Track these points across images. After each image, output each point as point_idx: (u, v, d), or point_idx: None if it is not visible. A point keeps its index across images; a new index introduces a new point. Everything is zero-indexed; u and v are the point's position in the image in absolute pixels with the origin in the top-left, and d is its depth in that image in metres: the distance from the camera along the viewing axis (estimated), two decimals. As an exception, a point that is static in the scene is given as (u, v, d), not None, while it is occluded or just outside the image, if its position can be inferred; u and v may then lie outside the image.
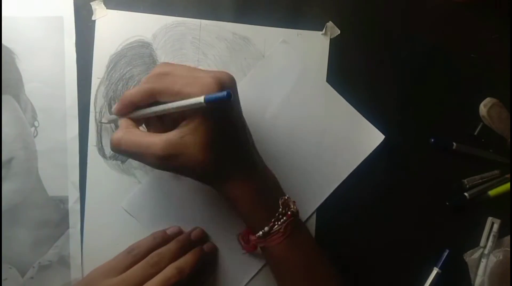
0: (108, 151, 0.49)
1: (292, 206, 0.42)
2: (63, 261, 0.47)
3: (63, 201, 0.47)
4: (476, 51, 0.52)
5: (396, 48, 0.52)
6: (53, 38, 0.48)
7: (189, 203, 0.48)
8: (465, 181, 0.51)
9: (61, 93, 0.48)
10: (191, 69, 0.40)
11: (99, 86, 0.49)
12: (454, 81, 0.52)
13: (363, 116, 0.51)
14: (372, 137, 0.50)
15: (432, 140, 0.51)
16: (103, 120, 0.47)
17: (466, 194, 0.51)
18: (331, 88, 0.51)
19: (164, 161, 0.38)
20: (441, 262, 0.50)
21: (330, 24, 0.51)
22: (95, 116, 0.49)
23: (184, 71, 0.39)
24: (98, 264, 0.45)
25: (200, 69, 0.40)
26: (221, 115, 0.39)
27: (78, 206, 0.48)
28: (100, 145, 0.49)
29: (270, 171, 0.44)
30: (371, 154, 0.50)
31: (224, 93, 0.34)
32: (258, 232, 0.41)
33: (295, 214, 0.42)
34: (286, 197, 0.42)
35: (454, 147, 0.51)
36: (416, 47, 0.52)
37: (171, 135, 0.38)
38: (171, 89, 0.37)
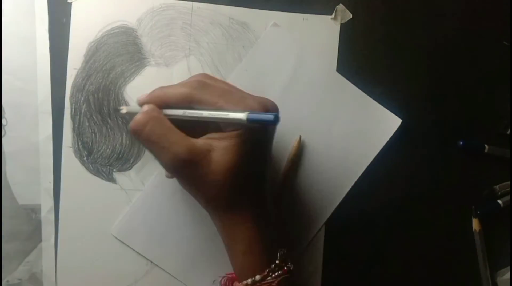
0: (85, 153, 0.46)
1: (289, 263, 0.40)
2: (35, 279, 0.46)
3: (35, 210, 0.46)
4: (509, 38, 0.50)
5: (416, 34, 0.50)
6: (23, 23, 0.46)
7: (187, 221, 0.47)
8: (497, 187, 0.49)
9: (32, 86, 0.46)
10: (233, 87, 0.39)
11: (75, 78, 0.47)
12: (483, 72, 0.50)
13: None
14: (388, 123, 0.48)
15: (461, 142, 0.49)
16: (123, 110, 0.42)
17: (499, 201, 0.49)
18: (343, 78, 0.48)
19: (182, 165, 0.37)
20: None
21: (340, 7, 0.49)
22: (71, 112, 0.47)
23: (227, 87, 0.39)
24: (74, 282, 0.45)
25: (242, 90, 0.39)
26: (257, 143, 0.38)
27: (52, 216, 0.46)
28: (76, 146, 0.46)
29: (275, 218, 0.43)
30: (389, 155, 0.49)
31: (271, 116, 0.33)
32: (246, 279, 0.39)
33: (292, 272, 0.40)
34: (286, 251, 0.40)
35: (486, 150, 0.49)
36: (439, 33, 0.50)
37: (200, 143, 0.37)
38: (212, 101, 0.37)
